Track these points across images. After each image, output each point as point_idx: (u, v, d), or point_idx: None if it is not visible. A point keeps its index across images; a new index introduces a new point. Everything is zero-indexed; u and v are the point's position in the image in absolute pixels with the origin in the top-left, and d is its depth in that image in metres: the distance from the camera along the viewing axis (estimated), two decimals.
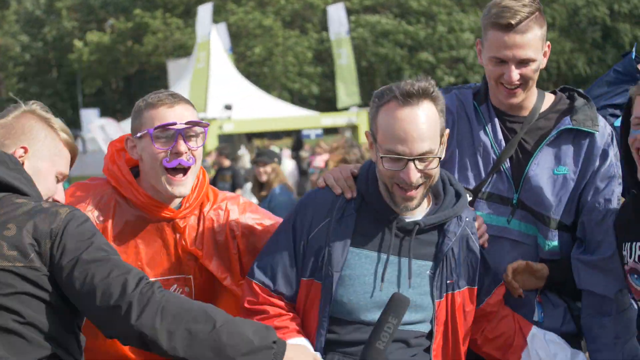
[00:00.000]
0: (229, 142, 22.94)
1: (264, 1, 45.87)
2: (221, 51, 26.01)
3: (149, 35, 44.63)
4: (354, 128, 25.18)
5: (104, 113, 39.77)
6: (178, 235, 3.42)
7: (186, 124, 3.26)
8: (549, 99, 3.65)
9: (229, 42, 29.65)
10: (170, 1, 45.32)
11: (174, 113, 3.27)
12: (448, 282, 3.28)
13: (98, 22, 51.28)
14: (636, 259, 3.25)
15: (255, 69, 43.27)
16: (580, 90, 3.68)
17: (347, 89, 26.51)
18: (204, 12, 23.70)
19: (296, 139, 24.80)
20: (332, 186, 3.31)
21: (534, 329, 3.44)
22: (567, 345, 3.44)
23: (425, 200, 3.29)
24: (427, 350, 3.29)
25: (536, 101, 3.59)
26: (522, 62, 3.41)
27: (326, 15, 31.12)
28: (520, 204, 3.53)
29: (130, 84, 51.91)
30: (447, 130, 3.23)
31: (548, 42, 3.51)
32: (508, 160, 3.54)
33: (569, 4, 51.29)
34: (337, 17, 28.10)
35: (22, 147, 2.91)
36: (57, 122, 3.03)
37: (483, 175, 3.57)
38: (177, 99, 3.32)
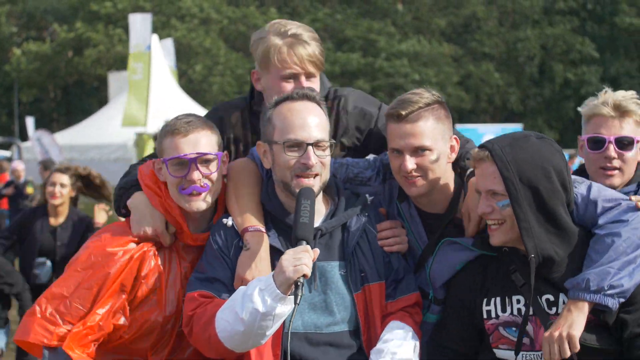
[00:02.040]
0: None
1: (208, 19, 45.99)
2: (164, 66, 25.92)
3: (90, 47, 44.31)
4: None
5: (40, 122, 39.31)
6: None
7: (197, 154, 3.45)
8: None
9: (174, 57, 29.59)
10: (112, 14, 45.06)
11: (187, 142, 3.46)
12: (362, 274, 3.48)
13: (38, 30, 50.78)
14: (514, 312, 3.39)
15: (195, 86, 43.32)
16: None
17: None
18: (141, 21, 22.93)
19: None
20: None
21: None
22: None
23: (324, 205, 3.56)
24: (360, 348, 3.44)
25: (454, 196, 3.63)
26: (416, 151, 3.46)
27: None
28: (435, 300, 3.61)
29: (68, 94, 51.43)
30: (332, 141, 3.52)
31: (455, 136, 3.59)
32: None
33: (508, 38, 52.41)
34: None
35: None
36: None
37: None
38: (192, 126, 3.50)
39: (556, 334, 3.19)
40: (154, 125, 22.17)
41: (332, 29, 49.72)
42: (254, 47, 3.75)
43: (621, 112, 3.70)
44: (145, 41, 22.19)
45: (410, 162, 3.46)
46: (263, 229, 3.46)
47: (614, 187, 3.63)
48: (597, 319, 3.26)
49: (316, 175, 3.40)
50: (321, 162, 3.40)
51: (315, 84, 3.69)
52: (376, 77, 47.05)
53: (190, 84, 42.15)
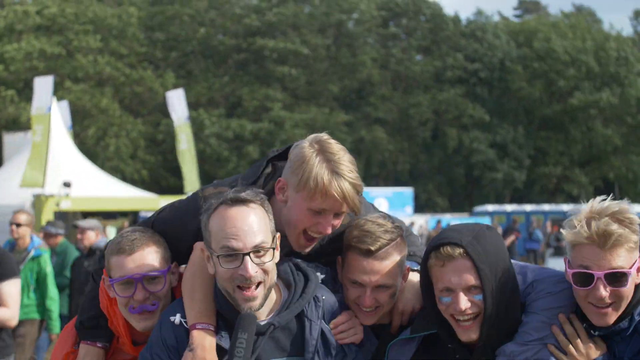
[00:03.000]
0: (63, 220, 22.91)
1: (102, 80, 45.97)
2: (61, 127, 26.02)
3: None
4: None
5: None
6: None
7: (141, 275, 3.39)
8: None
9: (69, 119, 29.71)
10: (5, 77, 44.58)
11: (132, 261, 3.40)
12: None
13: None
14: None
15: (89, 147, 43.11)
16: None
17: (189, 174, 27.14)
18: (43, 84, 23.15)
19: (133, 220, 25.01)
20: None
21: None
22: None
23: (277, 294, 3.32)
24: None
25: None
26: (378, 287, 3.40)
27: (165, 101, 31.76)
28: None
29: None
30: (278, 234, 3.28)
31: (407, 266, 3.53)
32: None
33: (400, 103, 53.80)
34: (178, 103, 28.80)
35: None
36: None
37: None
38: (137, 244, 3.43)
39: None
40: (52, 187, 22.27)
41: (226, 94, 50.39)
42: (297, 160, 3.39)
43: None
44: (46, 103, 22.34)
45: (370, 299, 3.40)
46: (212, 327, 3.26)
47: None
48: None
49: (259, 283, 3.16)
50: (262, 270, 3.16)
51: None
52: (268, 143, 47.71)
53: (83, 146, 41.94)
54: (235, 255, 3.12)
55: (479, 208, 43.95)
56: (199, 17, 51.05)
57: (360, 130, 51.79)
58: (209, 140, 46.99)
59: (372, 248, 3.36)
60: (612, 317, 3.20)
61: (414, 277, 3.57)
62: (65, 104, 29.03)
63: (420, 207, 49.97)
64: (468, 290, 3.22)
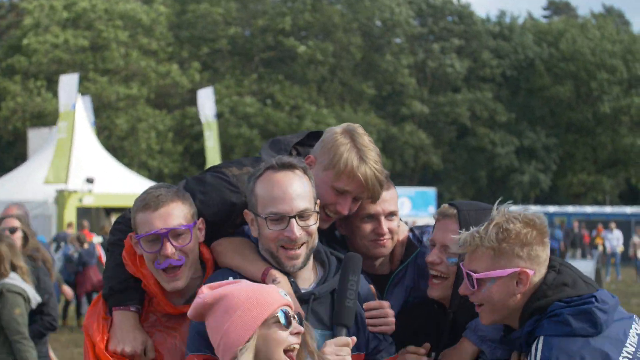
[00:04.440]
0: (87, 216, 22.97)
1: (129, 74, 46.03)
2: (85, 123, 26.14)
3: (8, 99, 43.80)
4: None
5: None
6: None
7: (167, 229, 3.42)
8: None
9: (92, 114, 29.81)
10: (29, 69, 44.65)
11: (158, 216, 3.43)
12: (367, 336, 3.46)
13: None
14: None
15: (115, 142, 43.15)
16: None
17: None
18: (69, 81, 23.61)
19: None
20: None
21: None
22: None
23: (312, 272, 3.46)
24: None
25: (401, 258, 3.98)
26: (388, 215, 3.83)
27: (191, 96, 31.79)
28: None
29: None
30: (319, 200, 3.45)
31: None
32: None
33: (430, 102, 53.28)
34: (207, 101, 28.83)
35: None
36: None
37: None
38: (162, 200, 3.44)
39: None
40: (75, 183, 22.32)
41: (259, 92, 50.32)
42: (329, 142, 3.69)
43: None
44: (71, 100, 22.50)
45: (385, 226, 3.75)
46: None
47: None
48: None
49: (303, 244, 3.34)
50: (306, 232, 3.33)
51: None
52: None
53: (109, 141, 42.01)
54: (282, 218, 3.29)
55: None
56: (229, 16, 50.97)
57: (390, 129, 51.64)
58: (242, 125, 46.72)
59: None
60: (486, 318, 3.29)
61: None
62: (87, 98, 29.12)
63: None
64: (445, 249, 3.55)
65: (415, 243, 3.98)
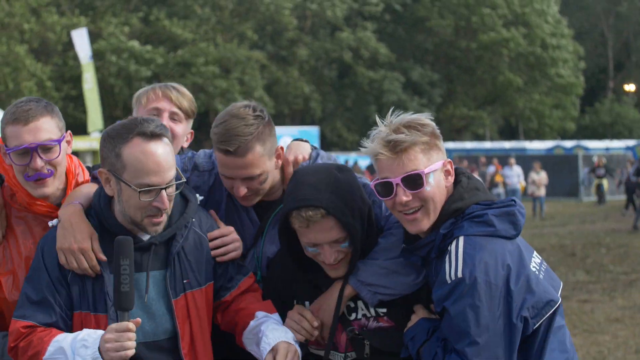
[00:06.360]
0: None
1: (4, 23, 44.18)
2: None
3: None
4: (95, 153, 25.73)
5: None
6: None
7: (36, 144, 3.51)
8: None
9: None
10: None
11: (28, 130, 3.52)
12: (185, 281, 3.47)
13: None
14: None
15: None
16: None
17: (92, 114, 26.74)
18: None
19: None
20: None
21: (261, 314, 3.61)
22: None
23: None
24: (176, 351, 3.45)
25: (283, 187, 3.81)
26: (247, 179, 3.62)
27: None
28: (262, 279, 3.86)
29: None
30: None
31: (280, 146, 3.76)
32: None
33: (312, 44, 53.21)
34: (81, 42, 28.09)
35: None
36: None
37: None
38: (32, 114, 3.54)
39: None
40: None
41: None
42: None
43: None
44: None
45: (242, 188, 3.63)
46: (77, 202, 3.51)
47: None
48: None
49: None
50: (171, 201, 3.40)
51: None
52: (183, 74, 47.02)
53: None
54: (153, 190, 3.30)
55: None
56: None
57: (275, 72, 51.45)
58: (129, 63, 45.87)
59: (231, 149, 3.56)
60: (424, 222, 3.27)
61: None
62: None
63: (327, 146, 50.16)
64: (335, 241, 3.38)
65: None
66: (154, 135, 3.31)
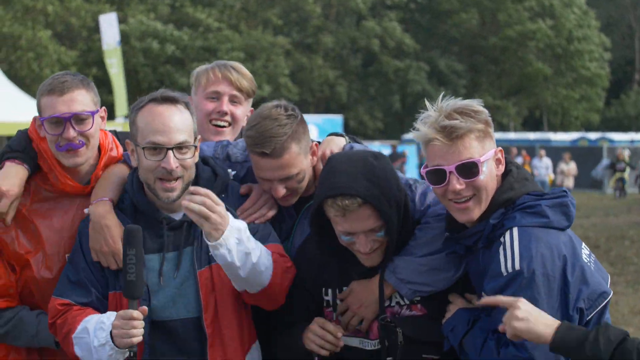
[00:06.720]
0: None
1: (29, 7, 44.32)
2: None
3: None
4: None
5: None
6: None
7: (71, 113, 3.59)
8: None
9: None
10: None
11: (62, 101, 3.60)
12: (210, 254, 3.41)
13: None
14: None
15: (21, 78, 41.73)
16: None
17: (117, 99, 26.85)
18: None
19: None
20: None
21: None
22: None
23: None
24: (201, 326, 3.48)
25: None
26: (285, 179, 3.59)
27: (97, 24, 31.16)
28: None
29: None
30: (199, 136, 3.55)
31: (315, 142, 3.73)
32: None
33: (337, 32, 52.89)
34: (109, 28, 28.20)
35: None
36: None
37: None
38: (67, 86, 3.63)
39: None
40: None
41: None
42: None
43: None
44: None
45: (281, 189, 3.61)
46: (107, 198, 3.57)
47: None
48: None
49: (178, 178, 3.43)
50: (182, 166, 3.43)
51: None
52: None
53: (15, 79, 40.61)
54: (160, 149, 3.39)
55: (407, 136, 44.30)
56: None
57: (299, 59, 51.27)
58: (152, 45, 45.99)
59: (267, 151, 3.52)
60: (475, 211, 3.20)
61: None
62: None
63: (350, 133, 49.77)
64: (371, 230, 3.33)
65: None
66: (165, 100, 3.44)
